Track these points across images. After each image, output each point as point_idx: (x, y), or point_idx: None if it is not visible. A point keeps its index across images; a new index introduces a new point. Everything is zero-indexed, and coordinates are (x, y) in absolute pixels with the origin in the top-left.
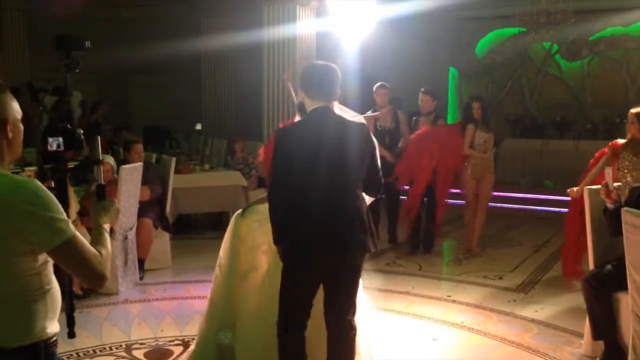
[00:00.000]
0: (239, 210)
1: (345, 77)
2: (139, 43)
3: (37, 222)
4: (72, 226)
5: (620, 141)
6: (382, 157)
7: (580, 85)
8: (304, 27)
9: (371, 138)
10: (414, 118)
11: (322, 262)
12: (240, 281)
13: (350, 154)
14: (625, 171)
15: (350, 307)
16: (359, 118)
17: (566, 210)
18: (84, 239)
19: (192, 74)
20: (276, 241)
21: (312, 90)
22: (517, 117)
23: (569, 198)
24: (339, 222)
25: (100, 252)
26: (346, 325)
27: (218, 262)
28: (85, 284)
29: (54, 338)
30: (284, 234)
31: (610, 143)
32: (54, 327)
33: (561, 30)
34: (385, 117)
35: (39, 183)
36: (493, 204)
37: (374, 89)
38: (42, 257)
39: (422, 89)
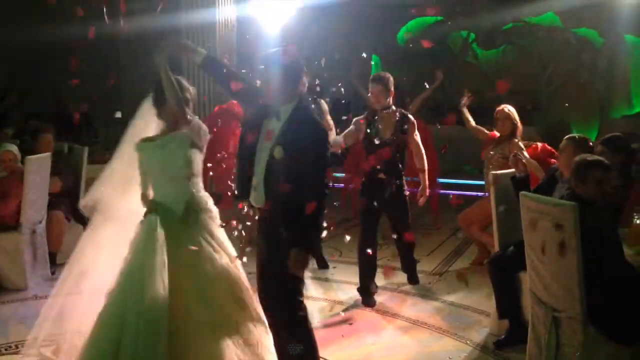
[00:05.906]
0: None
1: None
2: (51, 23)
3: None
4: None
5: (497, 134)
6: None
7: (495, 73)
8: (223, 12)
9: None
10: (355, 119)
11: None
12: None
13: None
14: (490, 166)
15: None
16: None
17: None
18: None
19: (110, 60)
20: None
21: None
22: (437, 103)
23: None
24: None
25: None
26: None
27: None
28: None
29: None
30: None
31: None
32: None
33: (477, 19)
34: None
35: None
36: (414, 189)
37: None
38: None
39: (372, 76)
